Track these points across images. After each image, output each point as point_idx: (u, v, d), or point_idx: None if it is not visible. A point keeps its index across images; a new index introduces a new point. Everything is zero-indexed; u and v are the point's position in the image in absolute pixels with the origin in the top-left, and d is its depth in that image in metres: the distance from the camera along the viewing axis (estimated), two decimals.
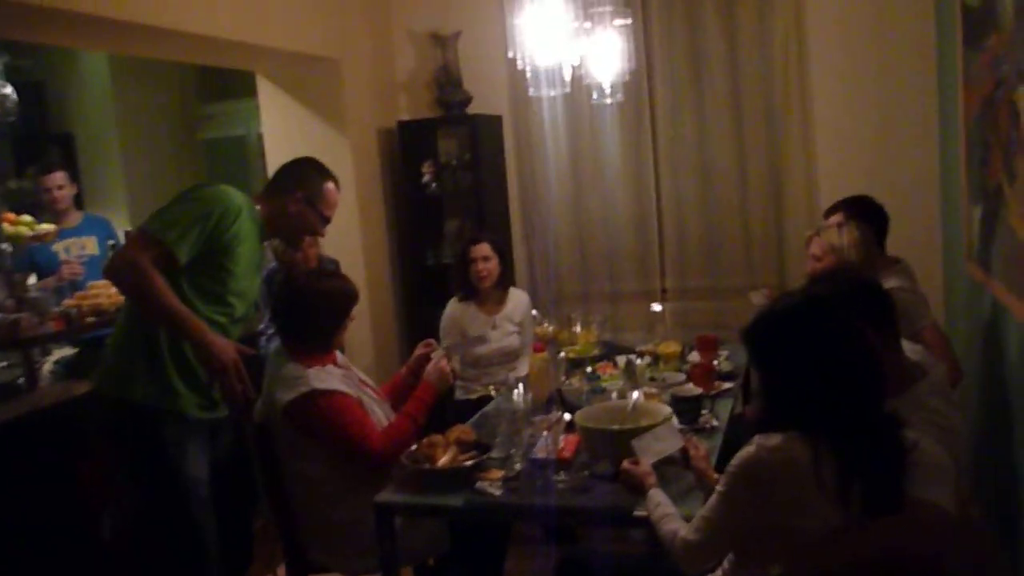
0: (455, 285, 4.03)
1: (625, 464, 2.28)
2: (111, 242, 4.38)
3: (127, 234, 2.55)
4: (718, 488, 1.84)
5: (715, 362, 3.33)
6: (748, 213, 4.68)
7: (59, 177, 4.53)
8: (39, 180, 4.60)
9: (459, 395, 3.93)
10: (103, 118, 6.00)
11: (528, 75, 2.72)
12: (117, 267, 2.55)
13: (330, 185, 2.88)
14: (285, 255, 4.00)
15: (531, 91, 2.78)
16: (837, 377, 1.76)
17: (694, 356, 3.49)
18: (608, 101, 3.52)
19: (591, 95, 3.63)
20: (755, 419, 1.88)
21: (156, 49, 4.22)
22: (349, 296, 2.85)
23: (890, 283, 3.09)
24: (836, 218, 3.27)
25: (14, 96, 3.64)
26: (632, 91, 4.61)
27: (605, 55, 3.45)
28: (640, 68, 4.62)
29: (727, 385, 3.20)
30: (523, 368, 3.91)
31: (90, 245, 4.50)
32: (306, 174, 2.87)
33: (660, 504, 2.08)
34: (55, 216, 4.48)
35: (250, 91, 5.30)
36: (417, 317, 4.97)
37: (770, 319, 1.89)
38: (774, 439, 1.74)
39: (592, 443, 2.50)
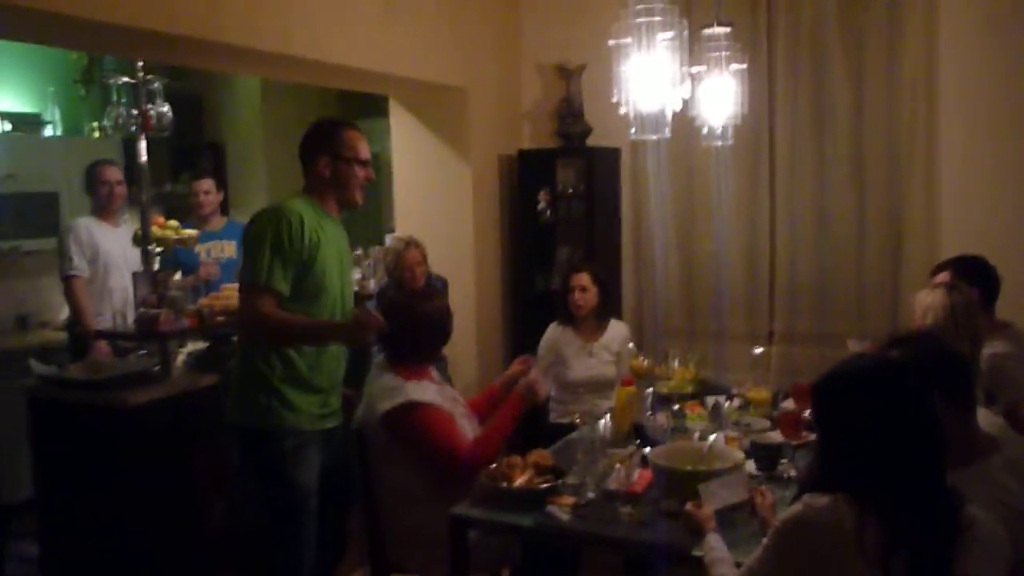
0: (558, 310, 4.15)
1: (689, 506, 2.34)
2: None
3: (243, 293, 2.83)
4: (764, 541, 1.89)
5: (806, 412, 3.32)
6: (864, 261, 4.60)
7: (208, 184, 4.93)
8: (191, 185, 5.03)
9: (553, 418, 4.05)
10: (252, 131, 6.45)
11: (631, 119, 2.81)
12: (248, 329, 2.85)
13: (345, 131, 2.91)
14: (395, 271, 4.22)
15: (632, 134, 2.87)
16: (894, 446, 1.78)
17: (788, 404, 3.49)
18: (718, 143, 3.57)
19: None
20: (807, 477, 1.92)
21: (301, 75, 4.56)
22: (447, 319, 3.02)
23: (993, 348, 3.02)
24: (942, 277, 3.22)
25: (170, 114, 4.01)
26: (752, 132, 4.64)
27: (719, 98, 3.51)
28: (762, 110, 4.65)
29: (814, 436, 3.18)
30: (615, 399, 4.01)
31: (229, 249, 4.87)
32: (319, 135, 2.90)
33: (714, 548, 2.14)
34: (201, 220, 4.87)
35: (384, 111, 5.60)
36: (522, 340, 5.10)
37: (839, 377, 1.92)
38: (822, 499, 1.78)
39: (662, 480, 2.57)
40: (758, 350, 4.11)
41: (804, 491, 1.84)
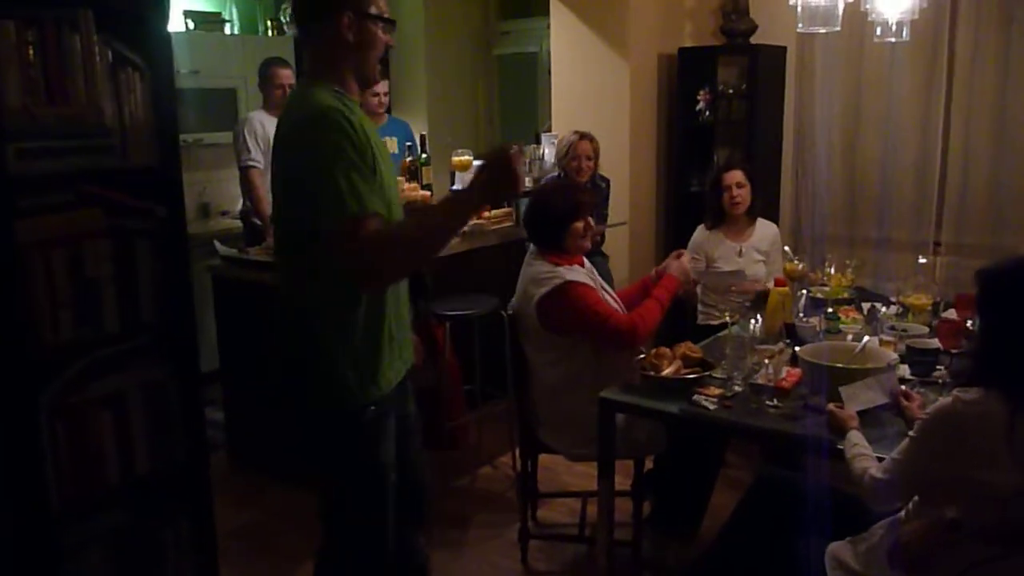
0: (707, 210, 4.13)
1: (831, 406, 2.36)
2: (408, 143, 4.91)
3: (340, 238, 1.89)
4: (911, 433, 1.90)
5: (969, 322, 3.22)
6: None
7: (384, 85, 5.10)
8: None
9: (701, 320, 4.08)
10: (414, 29, 6.56)
11: (799, 10, 2.74)
12: (368, 270, 1.94)
13: None
14: (563, 160, 4.29)
15: (799, 27, 2.80)
16: None
17: (950, 313, 3.39)
18: (891, 40, 3.41)
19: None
20: (960, 370, 1.90)
21: None
22: (568, 205, 3.06)
23: None
24: None
25: None
26: (930, 30, 4.39)
27: None
28: (943, 3, 4.37)
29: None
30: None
31: (392, 145, 5.06)
32: None
33: (856, 444, 2.16)
34: (373, 117, 5.07)
35: (544, 10, 5.59)
36: (675, 240, 5.10)
37: (1012, 270, 1.88)
38: (973, 393, 1.77)
39: (811, 377, 2.58)
40: (923, 259, 3.97)
41: (957, 384, 1.83)
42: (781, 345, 2.79)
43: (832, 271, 3.84)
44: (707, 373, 2.73)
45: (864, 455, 2.11)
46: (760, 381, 2.67)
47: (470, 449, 4.18)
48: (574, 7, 4.97)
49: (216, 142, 5.51)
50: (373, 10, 2.05)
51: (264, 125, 4.73)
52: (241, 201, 5.05)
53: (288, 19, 4.08)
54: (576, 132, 4.37)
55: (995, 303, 1.87)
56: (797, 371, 2.72)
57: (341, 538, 2.20)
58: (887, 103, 4.66)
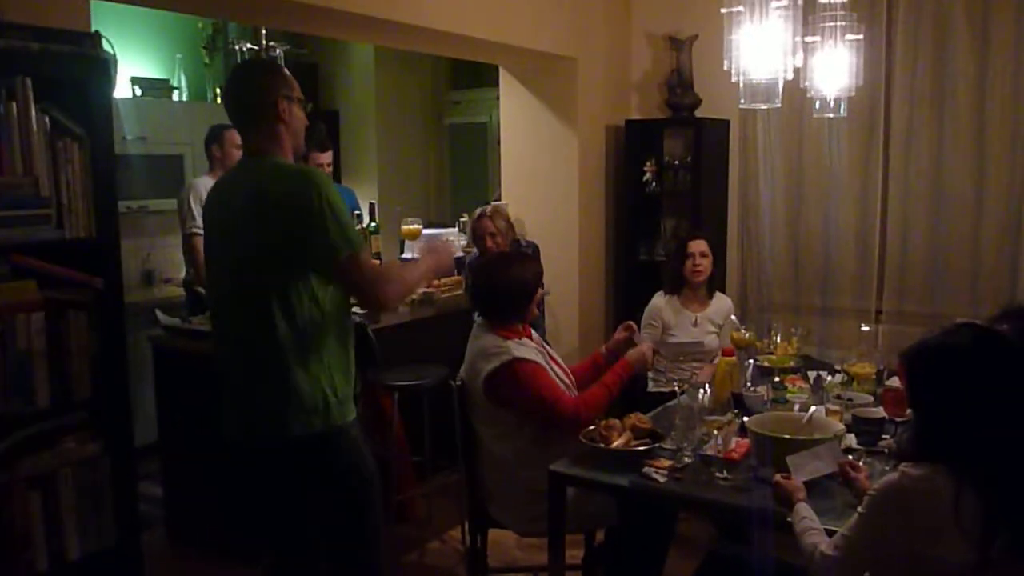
0: (666, 277, 4.15)
1: (777, 477, 2.35)
2: (356, 212, 4.89)
3: (351, 269, 2.26)
4: (859, 510, 1.89)
5: None
6: (981, 242, 4.46)
7: (329, 156, 5.09)
8: (313, 156, 5.19)
9: (652, 387, 4.08)
10: (365, 98, 6.61)
11: (740, 87, 2.80)
12: (386, 300, 2.41)
13: (285, 69, 2.46)
14: (473, 241, 4.31)
15: (741, 103, 2.86)
16: (994, 419, 1.76)
17: (893, 380, 3.44)
18: (830, 115, 3.51)
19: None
20: (904, 448, 1.91)
21: (415, 43, 4.67)
22: (530, 279, 3.08)
23: None
24: None
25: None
26: (867, 104, 4.54)
27: (833, 69, 3.44)
28: (878, 80, 4.53)
29: None
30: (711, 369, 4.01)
31: None
32: (272, 74, 2.37)
33: (805, 517, 2.15)
34: None
35: (494, 80, 5.67)
36: (624, 310, 5.13)
37: (936, 349, 1.90)
38: (920, 469, 1.77)
39: (759, 448, 2.58)
40: (865, 327, 4.04)
41: (902, 460, 1.84)
42: (730, 415, 2.78)
43: (778, 340, 3.89)
44: (657, 444, 2.71)
45: (813, 529, 2.10)
46: (709, 452, 2.66)
47: (419, 523, 4.09)
48: (523, 78, 5.05)
49: (162, 209, 5.44)
50: (296, 93, 2.37)
51: None
52: (185, 269, 4.97)
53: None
54: (479, 210, 4.38)
55: (924, 382, 1.89)
56: (746, 441, 2.72)
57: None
58: (828, 175, 4.79)
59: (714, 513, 2.54)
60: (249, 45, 4.00)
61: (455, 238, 4.87)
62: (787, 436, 2.53)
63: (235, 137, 4.77)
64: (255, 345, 2.25)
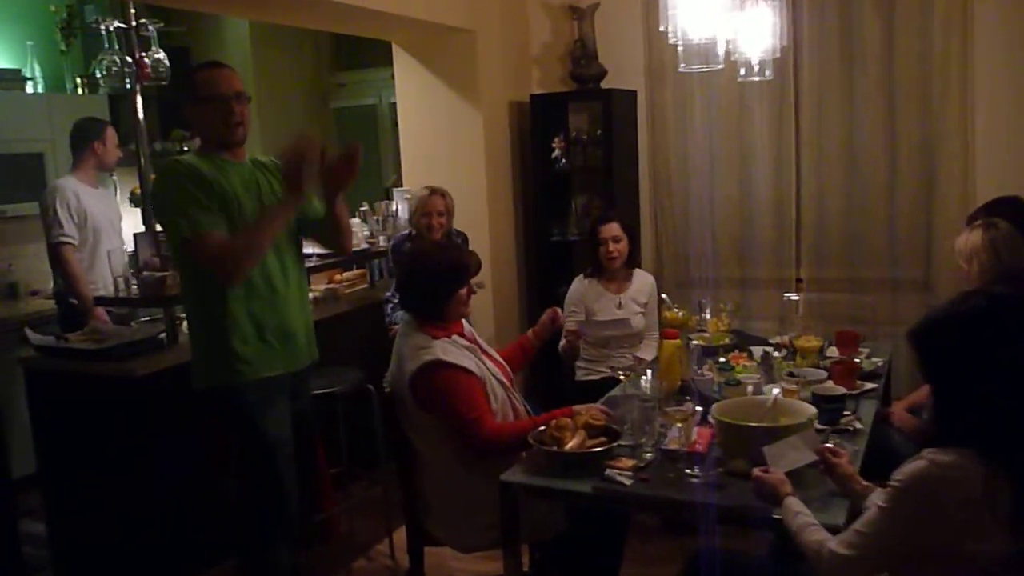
0: (583, 263, 3.96)
1: (756, 472, 2.16)
2: None
3: (185, 248, 2.57)
4: (879, 503, 1.71)
5: (856, 359, 3.16)
6: (895, 204, 4.43)
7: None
8: (185, 143, 4.77)
9: (580, 376, 3.87)
10: (242, 82, 6.14)
11: (680, 50, 2.60)
12: (220, 271, 2.53)
13: (198, 73, 2.71)
14: (414, 218, 4.02)
15: (682, 66, 2.66)
16: (1018, 395, 1.60)
17: (831, 352, 3.33)
18: (756, 79, 3.35)
19: (732, 73, 3.48)
20: (926, 431, 1.74)
21: (298, 17, 4.29)
22: (460, 268, 2.80)
23: None
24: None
25: (166, 61, 3.75)
26: (776, 70, 4.39)
27: (755, 31, 3.29)
28: (786, 44, 4.41)
29: (870, 385, 3.02)
30: (646, 351, 3.84)
31: None
32: (191, 85, 2.67)
33: (800, 513, 1.96)
34: None
35: (382, 61, 5.33)
36: (540, 291, 4.93)
37: (949, 321, 1.72)
38: (947, 455, 1.60)
39: (729, 439, 2.39)
40: (792, 296, 3.93)
41: (925, 445, 1.66)
42: (690, 405, 2.58)
43: (708, 316, 3.74)
44: (616, 443, 2.48)
45: (812, 525, 1.91)
46: (672, 446, 2.46)
47: (341, 540, 3.76)
48: (418, 54, 4.73)
49: (22, 213, 4.90)
50: (201, 93, 2.63)
51: (79, 196, 4.20)
52: (53, 279, 4.45)
53: (104, 72, 3.61)
54: (427, 187, 4.09)
55: (940, 358, 1.71)
56: (706, 431, 2.53)
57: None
58: (740, 144, 4.67)
59: (688, 514, 2.32)
60: (117, 23, 3.53)
61: (357, 228, 4.52)
62: (761, 424, 2.34)
63: (112, 133, 4.31)
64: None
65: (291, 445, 2.72)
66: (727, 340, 3.55)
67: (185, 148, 4.98)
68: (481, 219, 4.66)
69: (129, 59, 3.59)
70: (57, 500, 3.67)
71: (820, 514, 2.00)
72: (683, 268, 4.90)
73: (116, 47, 3.63)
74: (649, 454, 2.47)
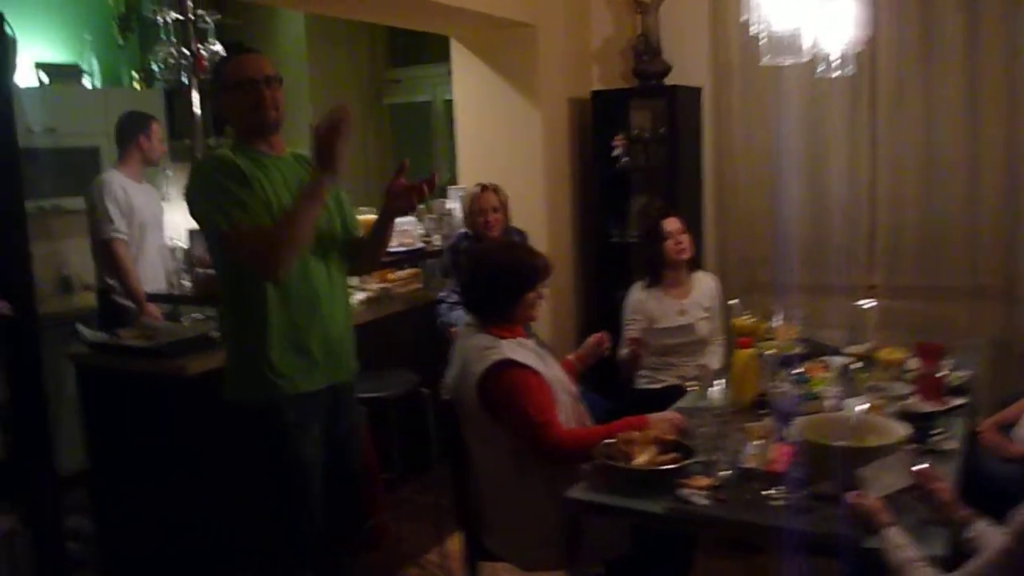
0: (644, 263, 3.80)
1: (852, 497, 1.99)
2: None
3: (223, 244, 2.40)
4: (1000, 544, 1.53)
5: (941, 373, 2.96)
6: (977, 209, 4.19)
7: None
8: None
9: (641, 384, 3.71)
10: (297, 77, 6.08)
11: (762, 42, 2.43)
12: (260, 264, 2.36)
13: (227, 63, 2.59)
14: (469, 217, 3.92)
15: (765, 59, 2.49)
16: None
17: (912, 364, 3.13)
18: (837, 74, 3.16)
19: (803, 69, 3.30)
20: None
21: (357, 10, 4.22)
22: (528, 269, 2.66)
23: None
24: None
25: (223, 53, 3.68)
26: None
27: (837, 22, 3.10)
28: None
29: (958, 401, 2.83)
30: (712, 359, 3.67)
31: None
32: (220, 75, 2.56)
33: (903, 546, 1.79)
34: None
35: (438, 57, 5.21)
36: (597, 294, 4.79)
37: None
38: None
39: (815, 459, 2.21)
40: (867, 303, 3.72)
41: None
42: (768, 421, 2.42)
43: (776, 323, 3.56)
44: (692, 460, 2.32)
45: (917, 561, 1.75)
46: (749, 464, 2.30)
47: (392, 548, 3.65)
48: (478, 50, 4.61)
49: (78, 207, 4.84)
50: (229, 80, 2.47)
51: (126, 190, 4.14)
52: (96, 275, 4.37)
53: (161, 65, 3.55)
54: (478, 184, 3.98)
55: None
56: (785, 448, 2.36)
57: None
58: (811, 143, 4.47)
59: (768, 538, 2.16)
60: (174, 14, 3.46)
61: (411, 227, 4.42)
62: (856, 444, 2.17)
63: (157, 128, 4.26)
64: None
65: (324, 465, 2.55)
66: (797, 349, 3.36)
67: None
68: (538, 219, 4.52)
69: (186, 51, 3.52)
70: (105, 497, 3.62)
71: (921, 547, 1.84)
72: (748, 272, 4.71)
73: (173, 39, 3.56)
74: (724, 472, 2.31)
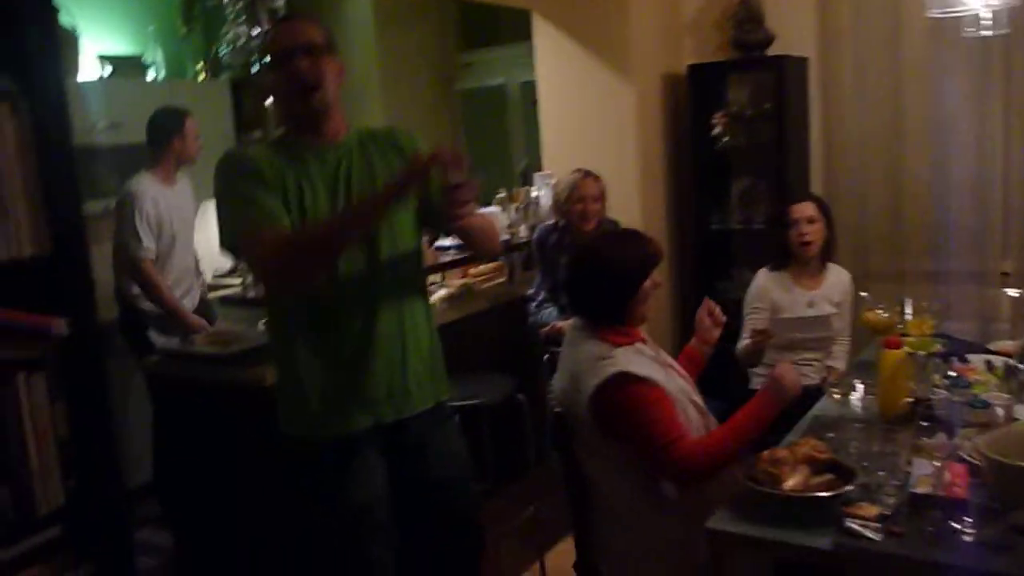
0: (771, 251, 3.44)
1: None
2: None
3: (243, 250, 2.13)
4: None
5: None
6: None
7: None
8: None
9: (756, 384, 3.36)
10: (367, 66, 5.83)
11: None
12: (270, 273, 2.07)
13: (272, 33, 2.28)
14: (565, 206, 3.60)
15: (934, 11, 2.13)
16: None
17: None
18: (988, 34, 2.76)
19: (921, 34, 2.91)
20: None
21: None
22: (642, 259, 2.33)
23: None
24: None
25: None
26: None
27: None
28: None
29: None
30: (838, 360, 3.31)
31: None
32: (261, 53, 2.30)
33: None
34: None
35: (513, 37, 4.90)
36: (697, 286, 4.43)
37: None
38: None
39: (1007, 483, 1.86)
40: (1014, 292, 3.32)
41: None
42: (943, 436, 2.06)
43: (909, 316, 3.17)
44: (855, 484, 1.97)
45: None
46: (923, 490, 1.95)
47: (486, 564, 3.37)
48: (563, 24, 4.29)
49: None
50: (275, 49, 2.07)
51: (157, 203, 3.83)
52: (115, 282, 4.09)
53: (229, 47, 3.29)
54: (578, 170, 3.66)
55: None
56: (959, 468, 2.00)
57: None
58: (932, 116, 4.06)
59: None
60: None
61: (496, 217, 4.12)
62: None
63: (193, 125, 3.98)
64: None
65: (384, 508, 2.15)
66: (937, 347, 2.97)
67: None
68: (632, 206, 4.20)
69: (255, 32, 3.26)
70: (174, 510, 3.44)
71: None
72: (861, 259, 4.31)
73: (241, 19, 3.31)
74: (891, 497, 1.96)
